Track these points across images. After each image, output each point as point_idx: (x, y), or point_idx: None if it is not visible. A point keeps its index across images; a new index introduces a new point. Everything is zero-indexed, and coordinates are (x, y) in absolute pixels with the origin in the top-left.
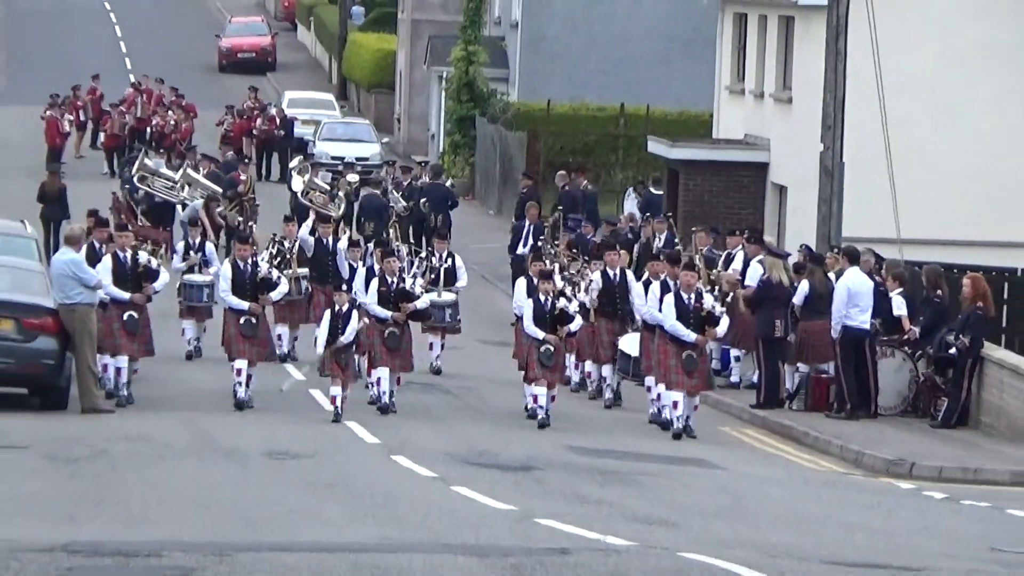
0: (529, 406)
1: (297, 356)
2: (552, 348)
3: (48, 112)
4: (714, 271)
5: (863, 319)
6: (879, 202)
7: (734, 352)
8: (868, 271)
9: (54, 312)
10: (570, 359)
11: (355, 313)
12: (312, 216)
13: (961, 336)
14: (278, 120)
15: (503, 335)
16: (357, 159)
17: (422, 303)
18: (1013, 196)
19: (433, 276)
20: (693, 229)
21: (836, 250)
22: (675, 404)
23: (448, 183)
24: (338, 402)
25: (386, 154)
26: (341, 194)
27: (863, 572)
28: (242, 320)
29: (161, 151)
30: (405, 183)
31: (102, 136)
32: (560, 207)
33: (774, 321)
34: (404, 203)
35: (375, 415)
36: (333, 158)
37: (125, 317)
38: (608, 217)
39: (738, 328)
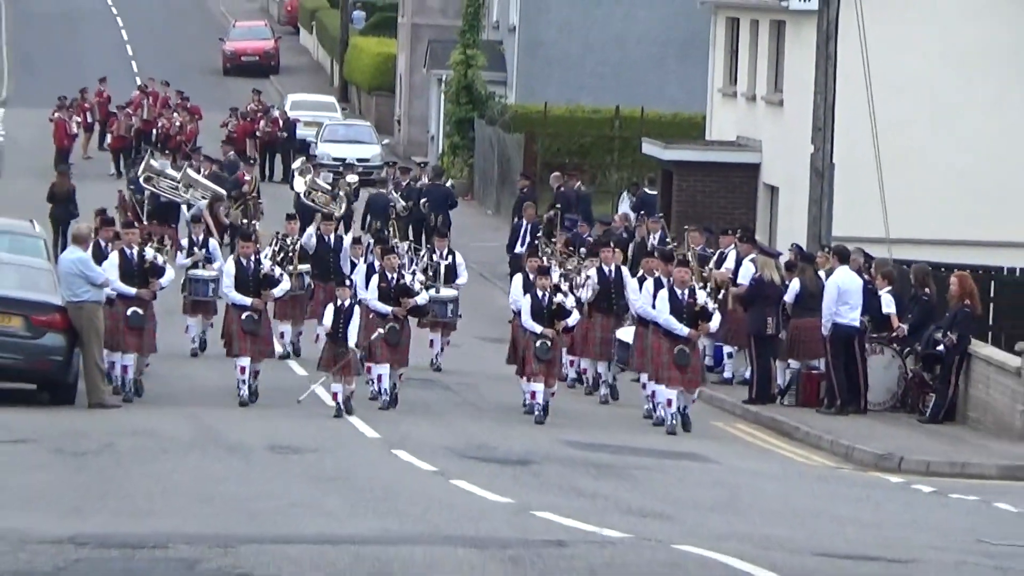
0: (527, 402)
1: (300, 351)
2: (549, 342)
3: (56, 114)
4: (706, 269)
5: (853, 317)
6: (868, 202)
7: (727, 349)
8: (858, 270)
9: (62, 309)
10: (565, 355)
11: (357, 310)
12: (316, 221)
13: (948, 333)
14: (281, 122)
15: (501, 332)
16: (358, 160)
17: (422, 299)
18: (1000, 197)
19: (432, 273)
20: (686, 228)
21: (826, 249)
22: (668, 402)
23: (448, 184)
24: (340, 398)
25: (386, 155)
26: (342, 194)
27: (854, 564)
28: (244, 316)
29: (167, 152)
30: (404, 183)
31: (109, 137)
32: (557, 205)
33: (766, 319)
34: (403, 203)
35: (376, 410)
36: (335, 159)
37: (129, 313)
38: (602, 217)
39: (731, 325)
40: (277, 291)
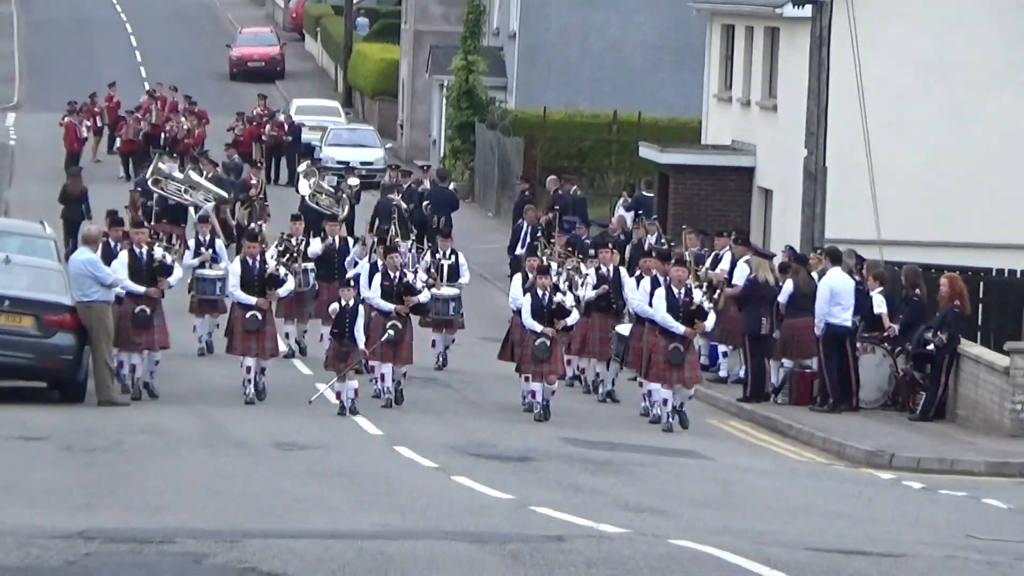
0: (526, 400)
1: (306, 351)
2: (548, 342)
3: (67, 118)
4: (701, 269)
5: (845, 317)
6: (860, 205)
7: (722, 348)
8: (849, 271)
9: (72, 309)
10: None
11: (361, 309)
12: (324, 241)
13: (938, 333)
14: (286, 126)
15: (502, 331)
16: (361, 163)
17: (424, 297)
18: (989, 200)
19: (435, 272)
20: (684, 227)
21: (819, 251)
22: (664, 401)
23: (451, 187)
24: (344, 396)
25: (389, 159)
26: (344, 196)
27: (845, 558)
28: (248, 316)
29: (175, 156)
30: (405, 186)
31: (118, 141)
32: (556, 208)
33: (760, 319)
34: (404, 204)
35: (379, 408)
36: (339, 163)
37: (136, 311)
38: (599, 219)
39: (726, 325)
40: (282, 291)
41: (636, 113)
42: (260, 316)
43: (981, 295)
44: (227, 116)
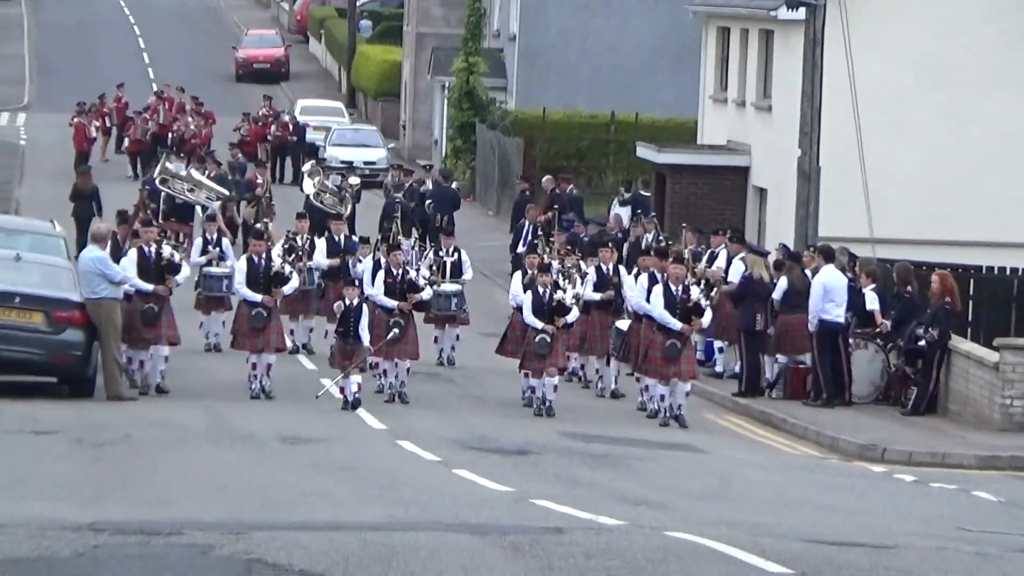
0: (526, 395)
1: (313, 349)
2: (548, 338)
3: (76, 119)
4: (698, 267)
5: (838, 313)
6: (853, 204)
7: (717, 344)
8: (842, 268)
9: (81, 306)
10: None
11: (365, 307)
12: (328, 233)
13: (930, 329)
14: (291, 126)
15: (503, 327)
16: (365, 163)
17: (426, 294)
18: (981, 199)
19: (438, 269)
20: (683, 226)
21: (812, 249)
22: (662, 397)
23: (454, 186)
24: (348, 391)
25: (392, 158)
26: (348, 195)
27: (839, 550)
28: (253, 313)
29: (181, 155)
30: (407, 185)
31: (126, 141)
32: (555, 207)
33: (755, 315)
34: (409, 203)
35: (382, 403)
36: (342, 162)
37: (144, 308)
38: (597, 218)
39: (721, 321)
40: (287, 288)
41: (634, 114)
42: (265, 313)
43: (971, 292)
44: (233, 116)
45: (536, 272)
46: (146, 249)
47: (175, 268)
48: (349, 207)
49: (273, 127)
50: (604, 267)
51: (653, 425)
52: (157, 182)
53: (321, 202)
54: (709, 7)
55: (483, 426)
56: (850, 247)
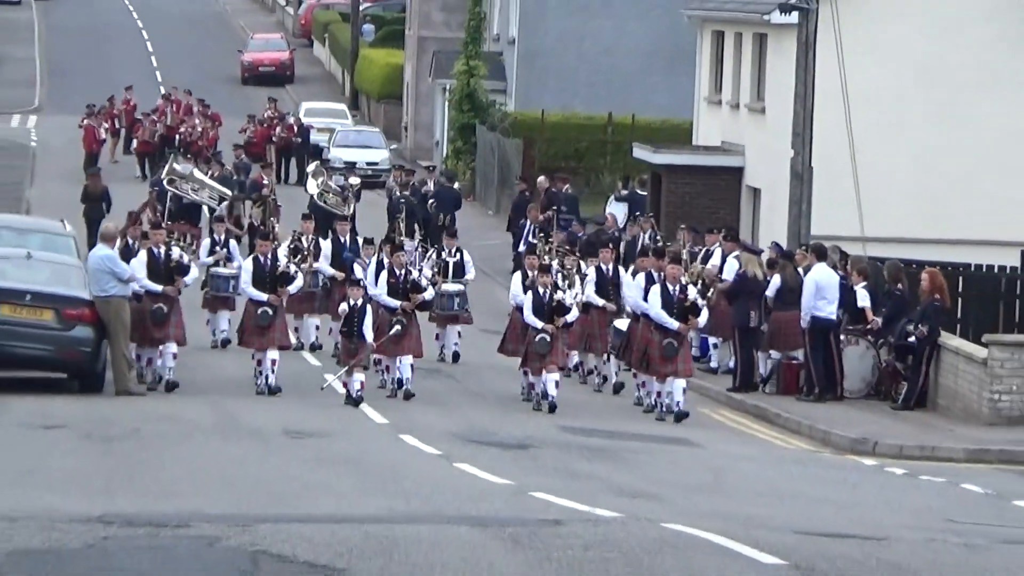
0: (524, 389)
1: (321, 344)
2: (548, 338)
3: (85, 121)
4: (693, 265)
5: (830, 310)
6: (844, 203)
7: (712, 340)
8: (834, 266)
9: (91, 303)
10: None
11: (369, 307)
12: (333, 234)
13: (920, 326)
14: (296, 128)
15: (502, 325)
16: (367, 164)
17: (428, 294)
18: (971, 199)
19: (440, 270)
20: (682, 226)
21: (805, 247)
22: (658, 393)
23: (456, 186)
24: (352, 387)
25: (394, 159)
26: (350, 195)
27: (831, 541)
28: (259, 311)
29: (189, 156)
30: (412, 184)
31: (135, 143)
32: (554, 207)
33: (749, 312)
34: (401, 200)
35: (384, 398)
36: (346, 163)
37: (154, 308)
38: (595, 217)
39: (716, 318)
40: (292, 288)
41: (630, 115)
42: (271, 311)
43: (960, 289)
44: (239, 118)
45: (536, 273)
46: (155, 251)
47: (184, 269)
48: (352, 207)
49: (278, 129)
50: (604, 267)
51: (649, 420)
52: (165, 182)
53: (325, 202)
54: (704, 11)
55: (483, 421)
56: (842, 245)
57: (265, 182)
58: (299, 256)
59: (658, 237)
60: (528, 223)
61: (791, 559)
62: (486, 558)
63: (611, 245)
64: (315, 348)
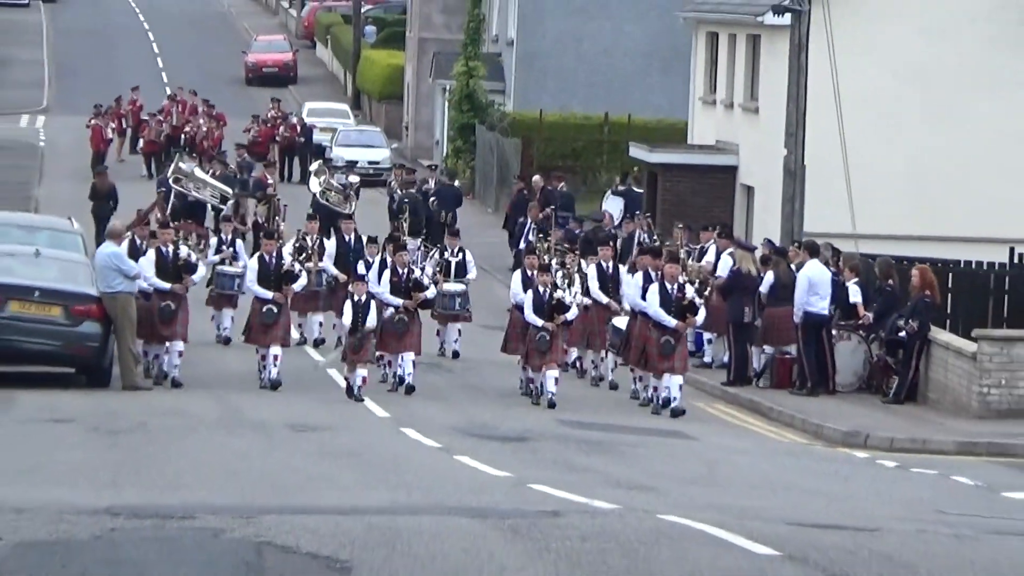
0: (523, 384)
1: (324, 339)
2: (548, 335)
3: (93, 121)
4: (690, 264)
5: (822, 306)
6: (836, 201)
7: (707, 335)
8: (826, 263)
9: (98, 300)
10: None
11: (373, 303)
12: (338, 232)
13: (910, 321)
14: (299, 128)
15: (501, 320)
16: (369, 163)
17: (430, 292)
18: (959, 196)
19: (442, 269)
20: (680, 226)
21: (798, 244)
22: (655, 387)
23: (456, 184)
24: (356, 382)
25: (395, 158)
26: (351, 193)
27: (823, 532)
28: (264, 309)
29: (194, 156)
30: (404, 182)
31: (141, 142)
32: (552, 206)
33: (743, 308)
34: (405, 199)
35: (385, 393)
36: (348, 162)
37: (162, 306)
38: (593, 214)
39: (710, 313)
40: (296, 286)
41: (627, 115)
42: (276, 309)
43: (950, 285)
44: (243, 118)
45: (536, 272)
46: (164, 249)
47: (192, 267)
48: (354, 205)
49: (281, 128)
50: (604, 264)
51: (645, 414)
52: (171, 181)
53: (327, 200)
54: (699, 13)
55: (483, 414)
56: (834, 242)
57: (270, 181)
58: (303, 255)
59: (655, 236)
60: (529, 221)
61: (784, 550)
62: (486, 548)
63: (610, 243)
64: (318, 344)
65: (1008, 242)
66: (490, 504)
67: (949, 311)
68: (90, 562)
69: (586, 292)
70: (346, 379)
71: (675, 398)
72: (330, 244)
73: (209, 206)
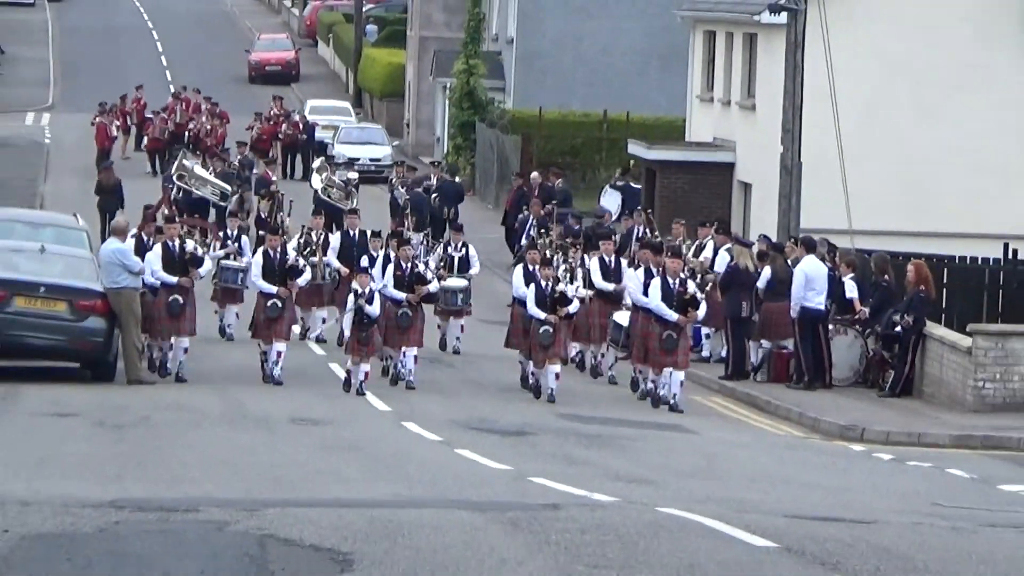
0: (529, 381)
1: (325, 339)
2: (551, 329)
3: (97, 118)
4: (692, 260)
5: (819, 301)
6: (833, 197)
7: (705, 330)
8: (823, 258)
9: (103, 295)
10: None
11: (376, 296)
12: (343, 227)
13: (906, 316)
14: (301, 125)
15: (501, 315)
16: (371, 160)
17: (433, 287)
18: (953, 192)
19: (446, 264)
20: (681, 221)
21: (794, 240)
22: (655, 381)
23: (457, 180)
24: (358, 377)
25: (396, 155)
26: (352, 190)
27: (820, 525)
28: (269, 304)
29: (197, 153)
30: (409, 180)
31: (145, 140)
32: (554, 202)
33: (740, 303)
34: (407, 196)
35: (387, 386)
36: (349, 159)
37: (170, 300)
38: (595, 210)
39: (709, 309)
40: (300, 281)
41: (625, 113)
42: (280, 304)
43: (945, 280)
44: (246, 116)
45: (538, 266)
46: (170, 244)
47: (198, 261)
48: (355, 201)
49: (284, 126)
50: (606, 258)
51: (644, 407)
52: (175, 178)
53: (328, 196)
54: (696, 12)
55: (483, 408)
56: (830, 238)
57: (273, 178)
58: (308, 249)
59: (656, 232)
60: (530, 217)
61: (782, 542)
62: (487, 541)
63: (612, 237)
64: (320, 341)
65: (1002, 238)
66: (490, 497)
67: (944, 306)
68: (95, 554)
69: (589, 285)
70: (347, 372)
71: (675, 394)
72: (334, 238)
73: (211, 203)
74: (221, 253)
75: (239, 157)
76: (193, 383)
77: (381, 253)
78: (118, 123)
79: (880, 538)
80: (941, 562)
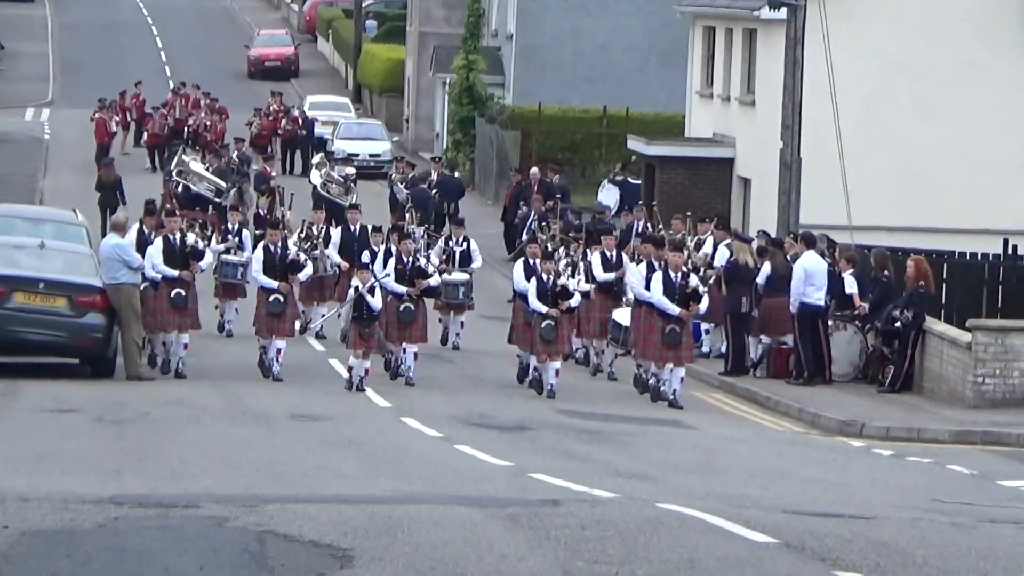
0: (528, 375)
1: (325, 336)
2: (553, 323)
3: (97, 114)
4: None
5: (818, 296)
6: (832, 193)
7: (704, 325)
8: (822, 254)
9: (102, 291)
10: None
11: (377, 290)
12: (341, 229)
13: (905, 311)
14: (301, 121)
15: (501, 311)
16: (370, 155)
17: (434, 281)
18: (952, 189)
19: (448, 258)
20: (688, 214)
21: (794, 236)
22: (656, 375)
23: (456, 175)
24: (357, 372)
25: (396, 151)
26: (352, 185)
27: (820, 520)
28: (270, 299)
29: (197, 148)
30: (409, 176)
31: (145, 135)
32: (558, 196)
33: (740, 298)
34: (406, 192)
35: (387, 382)
36: (349, 154)
37: (172, 294)
38: (596, 206)
39: (708, 304)
40: (302, 275)
41: (624, 108)
42: (282, 299)
43: (945, 276)
44: (245, 112)
45: (539, 260)
46: (171, 238)
47: (199, 254)
48: (355, 196)
49: (283, 122)
50: (608, 253)
51: (644, 402)
52: (174, 174)
53: (328, 191)
54: (696, 7)
55: (483, 404)
56: (830, 234)
57: (273, 174)
58: (310, 244)
59: (659, 225)
60: (532, 213)
61: (781, 537)
62: (487, 537)
63: (614, 233)
64: (319, 337)
65: (1002, 233)
66: (490, 493)
67: (944, 302)
68: (94, 550)
69: (590, 280)
70: (349, 368)
71: (675, 390)
72: (335, 233)
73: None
74: (221, 248)
75: (237, 153)
76: (192, 379)
77: (382, 247)
78: (118, 119)
79: (880, 534)
80: (941, 558)
